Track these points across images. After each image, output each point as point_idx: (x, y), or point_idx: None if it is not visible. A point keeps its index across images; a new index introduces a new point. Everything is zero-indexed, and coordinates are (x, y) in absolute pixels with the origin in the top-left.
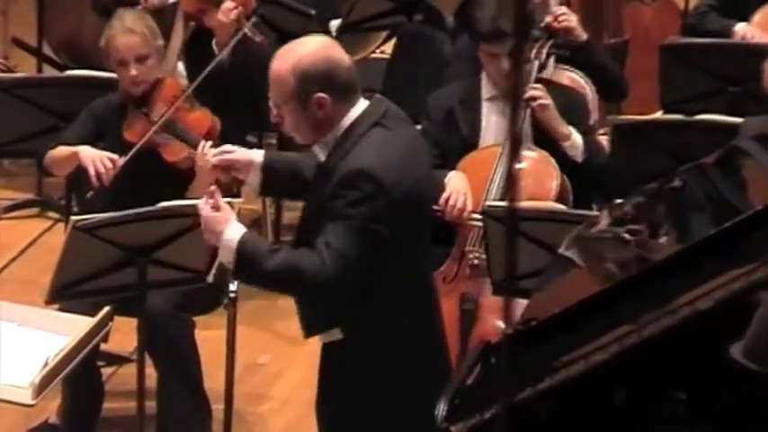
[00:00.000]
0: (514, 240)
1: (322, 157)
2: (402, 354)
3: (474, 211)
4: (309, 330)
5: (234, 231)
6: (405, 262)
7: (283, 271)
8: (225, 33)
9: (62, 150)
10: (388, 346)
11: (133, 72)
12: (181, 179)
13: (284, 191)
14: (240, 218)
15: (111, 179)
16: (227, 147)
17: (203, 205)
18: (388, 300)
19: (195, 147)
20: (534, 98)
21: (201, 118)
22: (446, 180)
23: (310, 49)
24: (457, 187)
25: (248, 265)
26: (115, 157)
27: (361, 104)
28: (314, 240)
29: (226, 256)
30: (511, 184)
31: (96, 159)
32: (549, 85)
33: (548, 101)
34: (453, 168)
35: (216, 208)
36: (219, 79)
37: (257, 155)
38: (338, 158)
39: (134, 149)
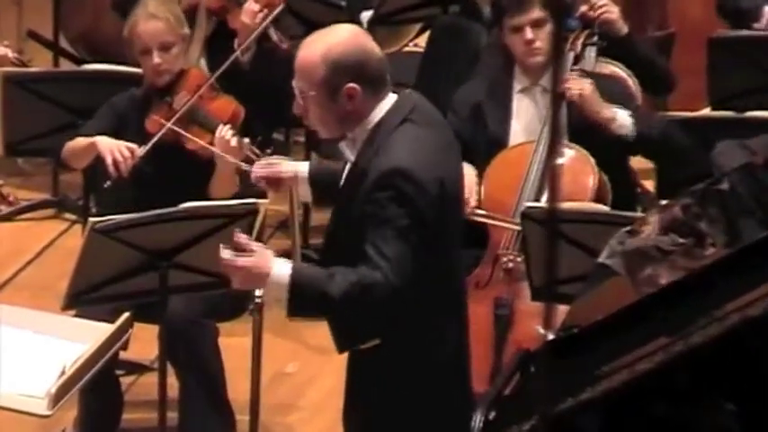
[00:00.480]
0: (555, 243)
1: (351, 157)
2: (433, 359)
3: (479, 207)
4: (350, 344)
5: (280, 268)
6: (439, 264)
7: (349, 293)
8: (247, 35)
9: (80, 141)
10: (420, 351)
11: (156, 60)
12: (203, 171)
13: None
14: (266, 219)
15: (129, 169)
16: (273, 159)
17: (233, 257)
18: (421, 304)
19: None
20: (570, 90)
21: (225, 104)
22: None
23: (342, 37)
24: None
25: (306, 298)
26: (134, 146)
27: (390, 99)
28: (348, 246)
29: (277, 297)
30: (552, 182)
31: (114, 148)
32: (587, 76)
33: (584, 88)
34: (480, 167)
35: (245, 250)
36: (240, 82)
37: (302, 167)
38: (369, 158)
39: (155, 137)
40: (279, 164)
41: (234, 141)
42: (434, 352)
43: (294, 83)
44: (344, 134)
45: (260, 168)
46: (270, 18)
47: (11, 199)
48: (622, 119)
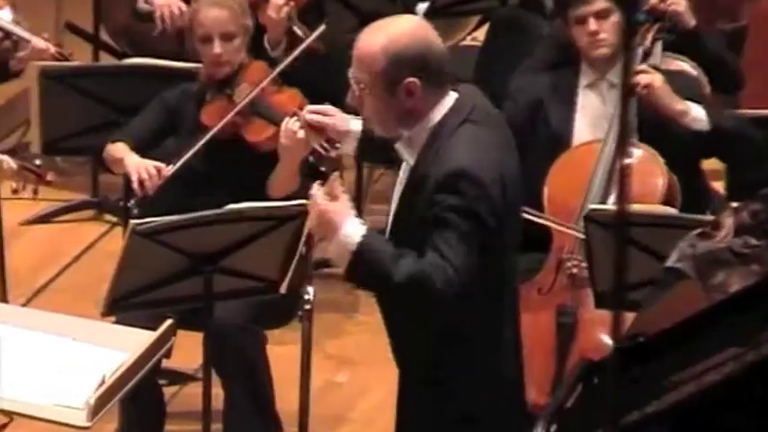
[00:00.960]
0: (624, 248)
1: (411, 160)
2: (487, 367)
3: (553, 209)
4: (392, 316)
5: (353, 228)
6: (495, 269)
7: (409, 283)
8: (276, 30)
9: (117, 150)
10: (473, 359)
11: (217, 50)
12: (262, 167)
13: (380, 158)
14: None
15: (155, 188)
16: (328, 107)
17: (320, 193)
18: (475, 309)
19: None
20: (640, 84)
21: (291, 97)
22: None
23: (404, 28)
24: None
25: (366, 271)
26: (162, 165)
27: (450, 98)
28: (406, 247)
29: (340, 255)
30: (622, 183)
31: (141, 167)
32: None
33: (654, 79)
34: (537, 163)
35: (333, 197)
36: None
37: (355, 124)
38: (429, 161)
39: (214, 129)
40: (333, 114)
41: (302, 133)
42: (488, 360)
43: (351, 72)
44: (401, 133)
45: (312, 113)
46: (297, 9)
47: (48, 178)
48: (696, 112)
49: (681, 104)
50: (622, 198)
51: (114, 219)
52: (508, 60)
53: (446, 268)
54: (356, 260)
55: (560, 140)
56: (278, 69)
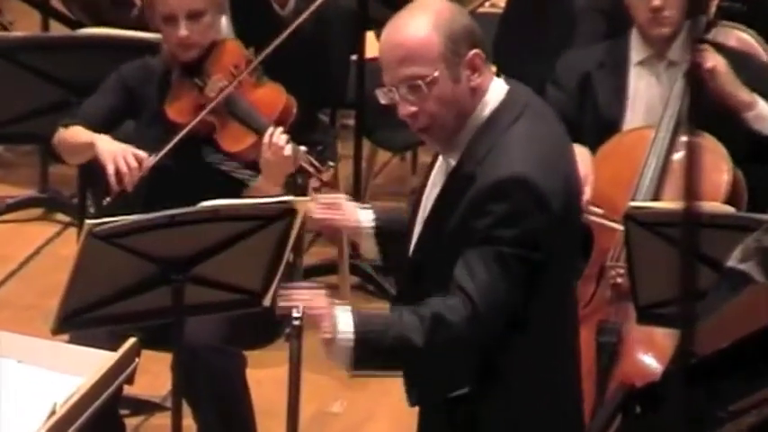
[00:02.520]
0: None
1: (452, 160)
2: (546, 406)
3: (595, 205)
4: (428, 395)
5: (344, 323)
6: (555, 290)
7: (426, 329)
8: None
9: (77, 134)
10: (529, 396)
11: (183, 32)
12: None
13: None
14: (307, 223)
15: (135, 183)
16: (339, 198)
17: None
18: (532, 340)
19: (262, 134)
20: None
21: (273, 96)
22: None
23: (436, 4)
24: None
25: (369, 353)
26: (143, 155)
27: (499, 85)
28: (439, 272)
29: (341, 357)
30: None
31: (119, 155)
32: (716, 49)
33: (718, 63)
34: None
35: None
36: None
37: (365, 219)
38: (477, 161)
39: (182, 133)
40: (340, 204)
41: (288, 150)
42: (547, 396)
43: (393, 80)
44: (461, 129)
45: (321, 210)
46: None
47: None
48: (764, 108)
49: (747, 94)
50: (690, 195)
51: (67, 218)
52: (534, 29)
53: (466, 297)
54: (358, 342)
55: (609, 125)
56: (260, 58)
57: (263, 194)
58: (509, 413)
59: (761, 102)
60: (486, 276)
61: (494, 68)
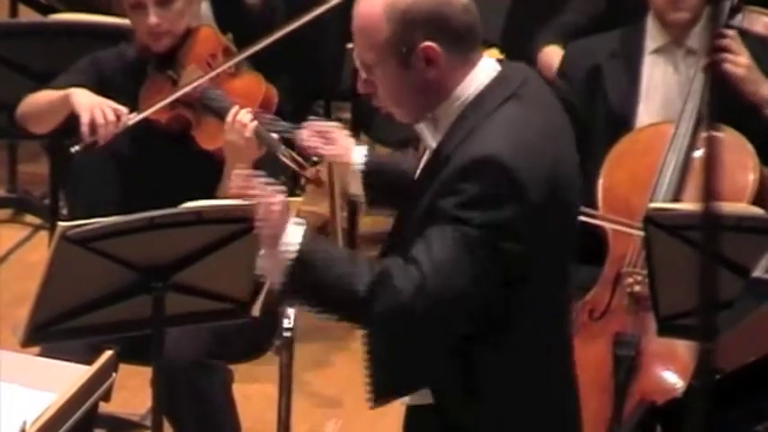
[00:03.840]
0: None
1: (432, 142)
2: (531, 423)
3: (610, 209)
4: (380, 392)
5: (292, 236)
6: (542, 294)
7: (371, 287)
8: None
9: (48, 93)
10: (512, 413)
11: (153, 20)
12: (217, 172)
13: (394, 202)
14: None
15: (109, 137)
16: (333, 126)
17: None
18: (516, 352)
19: None
20: (725, 50)
21: (251, 87)
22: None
23: None
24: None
25: (306, 277)
26: (123, 110)
27: (489, 66)
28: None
29: (274, 269)
30: (708, 177)
31: (96, 106)
32: (741, 35)
33: (743, 57)
34: (599, 150)
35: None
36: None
37: (357, 157)
38: (456, 142)
39: (152, 109)
40: (332, 133)
41: (251, 129)
42: (527, 418)
43: (355, 54)
44: (425, 114)
45: (312, 136)
46: None
47: None
48: None
49: None
50: (709, 196)
51: (37, 221)
52: (546, 12)
53: (417, 268)
54: (298, 266)
55: (621, 120)
56: (241, 56)
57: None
58: (491, 428)
59: None
60: (443, 255)
61: (495, 54)
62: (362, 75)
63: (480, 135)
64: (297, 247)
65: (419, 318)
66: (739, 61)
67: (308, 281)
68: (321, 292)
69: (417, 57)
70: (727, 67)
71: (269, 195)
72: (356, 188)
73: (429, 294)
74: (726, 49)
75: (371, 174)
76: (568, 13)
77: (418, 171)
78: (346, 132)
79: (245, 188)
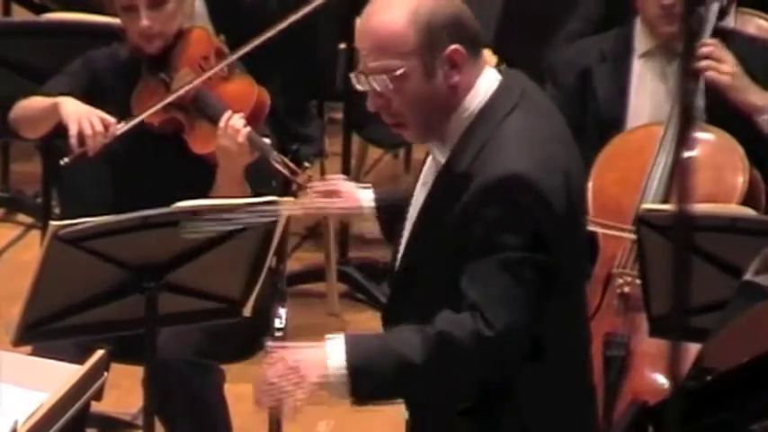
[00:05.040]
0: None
1: (441, 157)
2: (556, 423)
3: (601, 213)
4: (429, 411)
5: (335, 357)
6: (568, 298)
7: (433, 354)
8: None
9: (38, 100)
10: (538, 413)
11: (145, 22)
12: (211, 176)
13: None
14: (291, 224)
15: (98, 148)
16: (336, 181)
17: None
18: (545, 353)
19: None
20: (708, 57)
21: (244, 90)
22: None
23: None
24: None
25: (370, 378)
26: (111, 120)
27: (491, 76)
28: (430, 277)
29: (339, 393)
30: (681, 178)
31: (83, 117)
32: (730, 37)
33: (724, 65)
34: (587, 152)
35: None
36: (247, 25)
37: (366, 198)
38: (469, 157)
39: (140, 117)
40: (338, 188)
41: (244, 134)
42: (553, 417)
43: (363, 69)
44: (443, 127)
45: (319, 198)
46: None
47: None
48: None
49: (758, 97)
50: (682, 195)
51: (30, 220)
52: (542, 11)
53: (479, 314)
54: (356, 379)
55: (610, 123)
56: (233, 56)
57: (224, 194)
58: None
59: None
60: (495, 290)
61: (488, 57)
62: (376, 88)
63: (495, 151)
64: (345, 366)
65: (492, 360)
66: (723, 69)
67: (373, 385)
68: (392, 386)
69: (443, 61)
70: (711, 75)
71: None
72: (373, 229)
73: (494, 336)
74: (709, 57)
75: (383, 210)
76: (574, 21)
77: (422, 182)
78: (345, 180)
79: (269, 394)
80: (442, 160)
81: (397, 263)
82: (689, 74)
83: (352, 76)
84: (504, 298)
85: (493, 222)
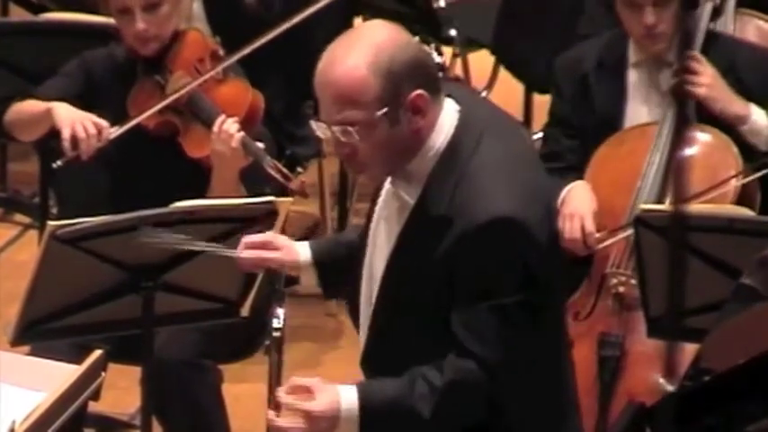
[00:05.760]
0: (680, 259)
1: (408, 196)
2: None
3: (601, 230)
4: None
5: (347, 400)
6: (552, 318)
7: (441, 408)
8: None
9: (32, 104)
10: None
11: (140, 25)
12: (208, 179)
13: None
14: (288, 224)
15: (91, 152)
16: (270, 235)
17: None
18: (535, 372)
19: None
20: (687, 71)
21: (238, 93)
22: (562, 197)
23: (379, 36)
24: (572, 209)
25: (382, 424)
26: (103, 123)
27: (451, 109)
28: (411, 320)
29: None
30: (677, 177)
31: (77, 121)
32: (721, 40)
33: (704, 77)
34: (587, 158)
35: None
36: (245, 25)
37: (303, 251)
38: (443, 198)
39: (133, 122)
40: (273, 241)
41: (237, 139)
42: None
43: (326, 118)
44: (403, 166)
45: (251, 250)
46: None
47: None
48: (757, 122)
49: (740, 107)
50: (678, 195)
51: (27, 220)
52: (536, 18)
53: (476, 357)
54: (366, 424)
55: (608, 128)
56: (229, 60)
57: (220, 196)
58: None
59: (754, 114)
60: (495, 336)
61: (448, 93)
62: (341, 139)
63: (473, 191)
64: (358, 408)
65: (491, 402)
66: (699, 81)
67: (379, 428)
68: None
69: (406, 108)
70: (688, 88)
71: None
72: (311, 281)
73: (499, 380)
74: (686, 70)
75: (321, 265)
76: (579, 28)
77: (383, 216)
78: (280, 235)
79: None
80: (409, 200)
81: (372, 304)
82: (684, 73)
83: (313, 123)
84: (502, 345)
85: (483, 268)
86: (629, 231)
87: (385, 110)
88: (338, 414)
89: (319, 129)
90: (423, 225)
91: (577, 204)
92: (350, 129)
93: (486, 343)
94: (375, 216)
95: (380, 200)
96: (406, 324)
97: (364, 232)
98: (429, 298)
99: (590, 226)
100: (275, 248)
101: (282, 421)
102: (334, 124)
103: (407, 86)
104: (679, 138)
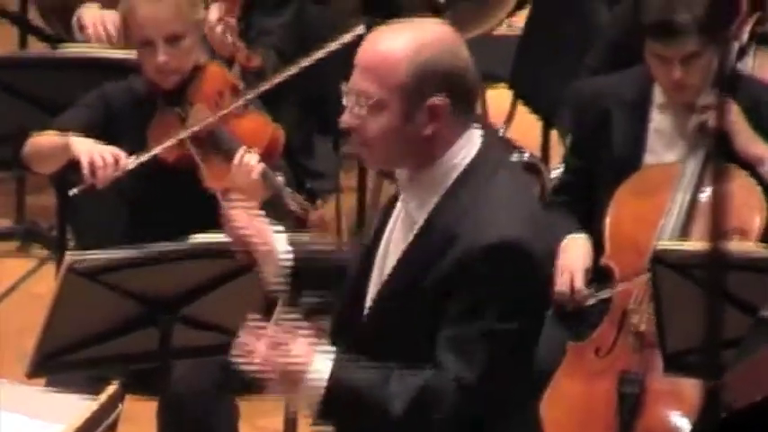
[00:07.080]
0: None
1: (417, 217)
2: None
3: (621, 265)
4: None
5: (319, 364)
6: (524, 360)
7: (413, 409)
8: (221, 50)
9: (51, 138)
10: None
11: (162, 58)
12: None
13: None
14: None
15: (108, 181)
16: (256, 212)
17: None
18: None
19: None
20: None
21: (258, 127)
22: (561, 245)
23: (435, 33)
24: (565, 263)
25: (338, 406)
26: (121, 154)
27: (476, 136)
28: (404, 338)
29: (308, 400)
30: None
31: (95, 151)
32: (744, 79)
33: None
34: (601, 194)
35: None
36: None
37: (281, 249)
38: (454, 217)
39: (152, 152)
40: (256, 220)
41: (258, 171)
42: None
43: (351, 83)
44: (405, 171)
45: (242, 215)
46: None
47: None
48: None
49: (759, 148)
50: (717, 234)
51: (45, 252)
52: (555, 53)
53: (459, 404)
54: (329, 398)
55: (627, 166)
56: (249, 96)
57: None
58: None
59: None
60: (478, 358)
61: (476, 121)
62: (354, 107)
63: (485, 213)
64: (326, 380)
65: (460, 419)
66: (727, 119)
67: (340, 411)
68: (355, 419)
69: (422, 110)
70: (713, 125)
71: (287, 346)
72: (271, 275)
73: (476, 402)
74: (710, 108)
75: (299, 272)
76: (591, 55)
77: (395, 243)
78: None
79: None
80: (418, 218)
81: (365, 316)
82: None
83: (342, 85)
84: (484, 369)
85: (480, 289)
86: (647, 275)
87: (403, 101)
88: (304, 375)
89: (343, 92)
90: (430, 240)
91: (572, 259)
92: (363, 101)
93: (468, 363)
94: (383, 237)
95: (391, 220)
96: (395, 336)
97: (368, 252)
98: (423, 313)
99: (579, 282)
100: (255, 226)
101: (254, 346)
102: (354, 91)
103: (434, 90)
104: (717, 172)
